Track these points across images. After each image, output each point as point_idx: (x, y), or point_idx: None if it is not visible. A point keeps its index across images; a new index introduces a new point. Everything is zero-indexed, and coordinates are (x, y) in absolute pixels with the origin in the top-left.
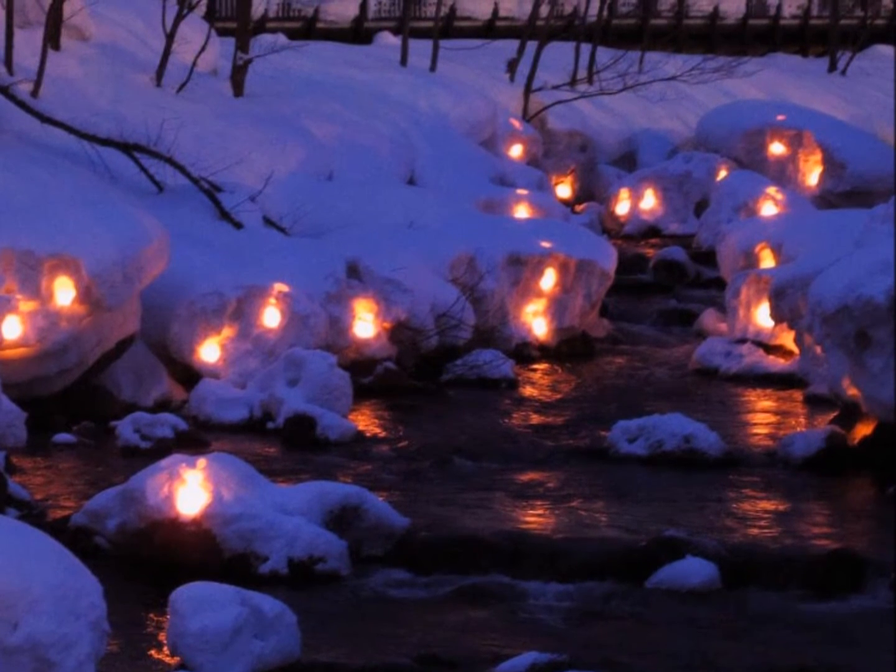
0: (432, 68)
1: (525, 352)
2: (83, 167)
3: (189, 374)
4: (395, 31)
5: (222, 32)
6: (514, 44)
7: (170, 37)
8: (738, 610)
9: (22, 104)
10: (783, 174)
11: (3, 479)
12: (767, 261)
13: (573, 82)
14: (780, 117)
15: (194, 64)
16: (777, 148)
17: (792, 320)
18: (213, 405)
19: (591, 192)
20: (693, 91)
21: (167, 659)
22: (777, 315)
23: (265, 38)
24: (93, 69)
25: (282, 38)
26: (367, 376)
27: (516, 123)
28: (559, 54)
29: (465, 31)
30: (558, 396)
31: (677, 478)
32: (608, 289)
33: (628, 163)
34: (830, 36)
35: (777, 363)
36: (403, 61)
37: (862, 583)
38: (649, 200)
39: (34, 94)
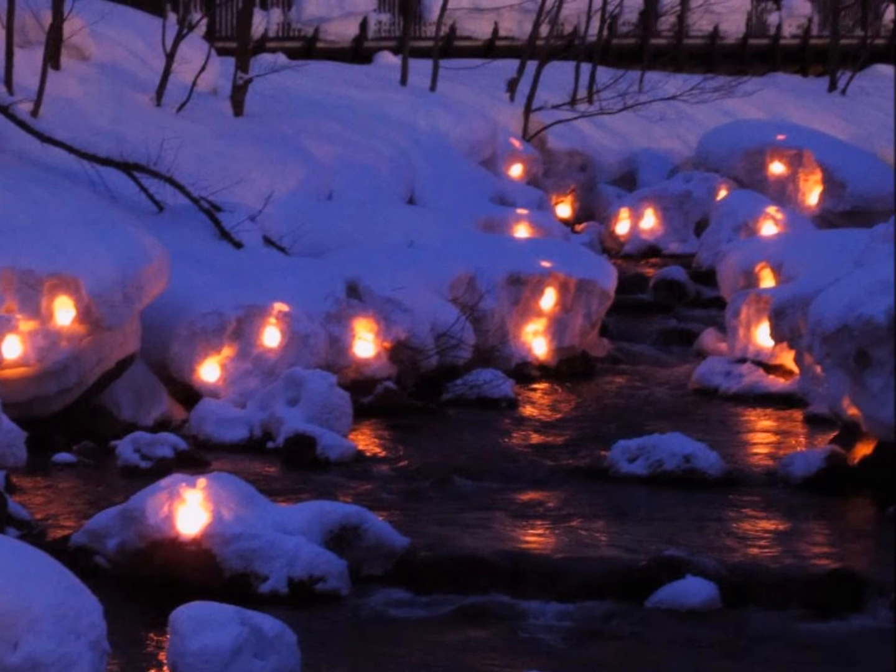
0: (432, 88)
1: (525, 371)
2: (83, 187)
3: (189, 394)
4: (395, 51)
5: (222, 52)
6: (514, 63)
7: (170, 56)
8: (737, 629)
9: (22, 124)
10: (783, 194)
11: (3, 498)
12: (767, 280)
13: (573, 102)
14: (780, 137)
15: (194, 83)
16: (777, 167)
17: (792, 340)
18: (213, 425)
19: (591, 211)
20: (693, 111)
21: None
22: (777, 335)
23: (265, 58)
24: (93, 89)
25: (282, 58)
26: (367, 396)
27: (516, 143)
28: (559, 74)
29: (464, 50)
30: (558, 416)
31: (677, 497)
32: (608, 308)
33: (628, 182)
34: (830, 55)
35: (777, 383)
36: (403, 81)
37: (862, 602)
38: (649, 220)
39: (34, 113)
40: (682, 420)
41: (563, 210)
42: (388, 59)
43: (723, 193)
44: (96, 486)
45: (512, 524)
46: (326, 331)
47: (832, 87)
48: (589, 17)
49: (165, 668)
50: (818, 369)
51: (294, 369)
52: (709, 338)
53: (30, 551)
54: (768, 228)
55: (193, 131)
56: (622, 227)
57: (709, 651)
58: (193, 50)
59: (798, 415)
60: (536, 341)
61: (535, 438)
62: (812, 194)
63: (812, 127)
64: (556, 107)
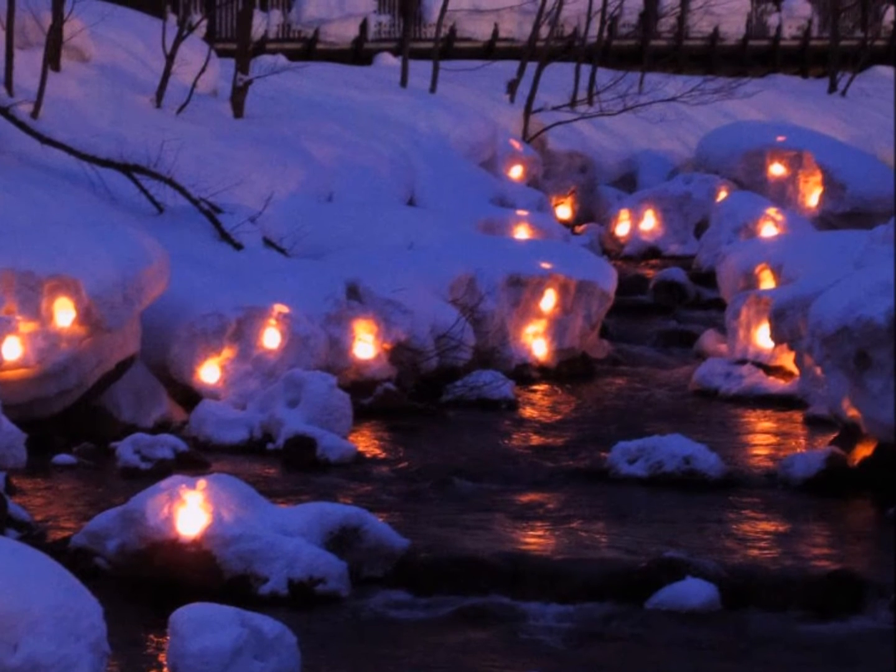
0: (432, 89)
1: (525, 373)
2: (83, 188)
3: (189, 396)
4: (395, 53)
5: (222, 53)
6: (514, 65)
7: (170, 58)
8: (737, 631)
9: (22, 125)
10: (783, 195)
11: (3, 500)
12: (767, 282)
13: (573, 103)
14: (780, 138)
15: (194, 85)
16: (777, 169)
17: (792, 341)
18: (213, 426)
19: (591, 213)
20: (693, 112)
21: None
22: (777, 336)
23: (265, 60)
24: (93, 90)
25: (282, 59)
26: (366, 397)
27: (516, 144)
28: (559, 75)
29: (464, 52)
30: (558, 417)
31: (677, 499)
32: (608, 310)
33: (628, 184)
34: (830, 57)
35: (777, 384)
36: (403, 82)
37: (862, 604)
38: (649, 221)
39: (34, 115)
40: (682, 421)
41: (563, 211)
42: (388, 61)
43: (723, 195)
44: (96, 487)
45: (512, 526)
46: (326, 332)
47: (832, 88)
48: (589, 19)
49: (165, 669)
50: (818, 371)
51: (294, 371)
52: (709, 339)
53: (30, 553)
54: (768, 230)
55: (193, 133)
56: (622, 228)
57: (709, 653)
58: (193, 51)
59: (798, 416)
60: (536, 343)
61: (535, 440)
62: (812, 196)
63: (812, 128)
64: (556, 108)
